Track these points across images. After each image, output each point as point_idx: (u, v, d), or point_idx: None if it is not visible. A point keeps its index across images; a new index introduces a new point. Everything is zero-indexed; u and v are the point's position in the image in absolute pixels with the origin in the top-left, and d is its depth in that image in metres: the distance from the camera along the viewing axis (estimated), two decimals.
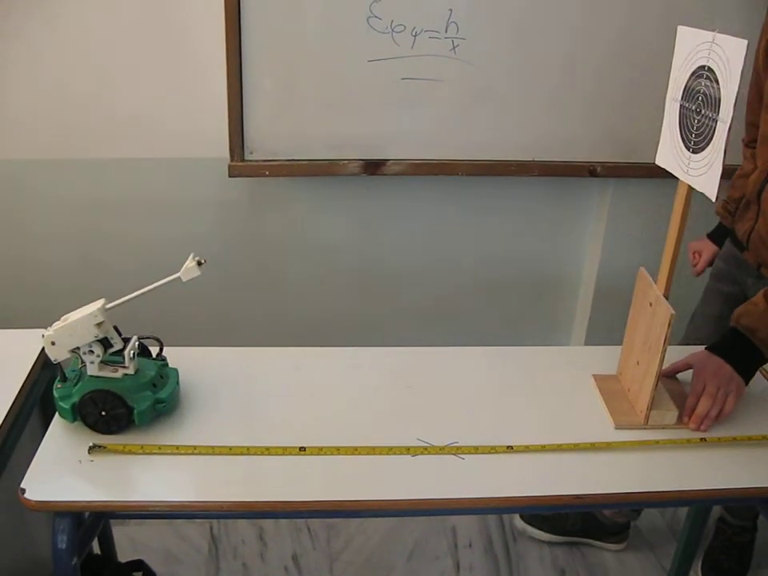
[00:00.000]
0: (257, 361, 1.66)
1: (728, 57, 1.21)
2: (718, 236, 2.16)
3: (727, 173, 1.28)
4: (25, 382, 1.51)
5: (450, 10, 2.23)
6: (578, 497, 1.32)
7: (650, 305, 1.49)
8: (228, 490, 1.28)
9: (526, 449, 1.40)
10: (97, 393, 1.36)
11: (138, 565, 2.00)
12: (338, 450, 1.36)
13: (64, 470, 1.31)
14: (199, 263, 1.33)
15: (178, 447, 1.35)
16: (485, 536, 2.45)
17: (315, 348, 1.68)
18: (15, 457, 1.43)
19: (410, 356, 1.67)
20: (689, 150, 1.34)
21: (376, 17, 2.21)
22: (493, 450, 1.39)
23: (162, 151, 2.44)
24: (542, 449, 1.40)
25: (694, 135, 1.32)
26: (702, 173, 1.30)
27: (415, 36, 2.25)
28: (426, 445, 1.39)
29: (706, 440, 1.44)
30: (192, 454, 1.35)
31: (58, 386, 1.40)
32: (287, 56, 2.26)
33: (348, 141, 2.39)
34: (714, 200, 1.28)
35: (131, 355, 1.38)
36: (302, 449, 1.36)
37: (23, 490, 1.24)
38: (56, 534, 1.27)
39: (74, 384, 1.39)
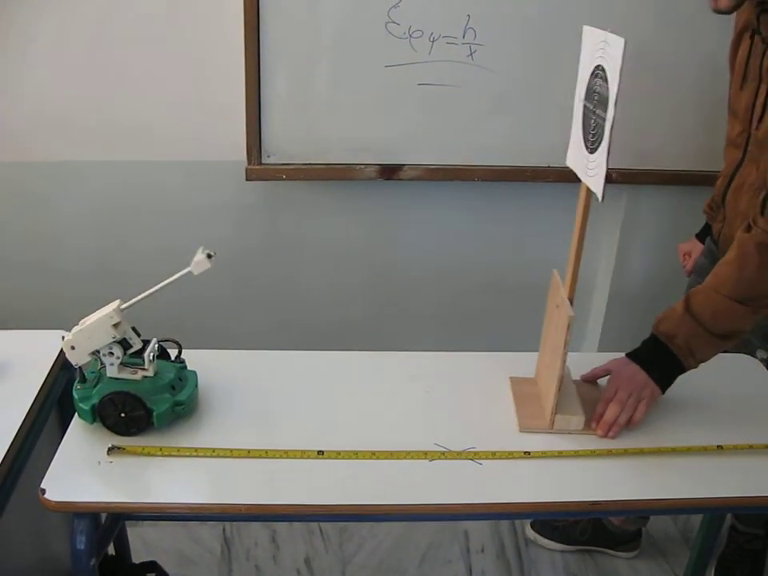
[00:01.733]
0: (274, 364, 1.66)
1: (612, 55, 1.20)
2: (705, 235, 2.16)
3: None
4: (44, 382, 1.52)
5: (468, 15, 2.23)
6: (594, 503, 1.32)
7: (557, 307, 1.48)
8: (246, 493, 1.29)
9: (543, 454, 1.40)
10: (116, 394, 1.37)
11: (152, 566, 2.00)
12: (356, 455, 1.37)
13: (83, 471, 1.31)
14: (209, 255, 1.32)
15: (196, 450, 1.36)
16: (497, 541, 2.45)
17: (333, 352, 1.69)
18: (33, 457, 1.44)
19: (428, 360, 1.68)
20: (587, 150, 1.33)
21: (394, 22, 2.21)
22: (510, 455, 1.39)
23: (179, 154, 2.45)
24: (559, 455, 1.40)
25: (591, 135, 1.31)
26: (595, 173, 1.28)
27: (433, 42, 2.25)
28: (443, 450, 1.40)
29: (722, 447, 1.44)
30: (210, 456, 1.35)
31: (78, 387, 1.41)
32: (305, 60, 2.27)
33: (365, 145, 2.39)
34: (600, 200, 1.26)
35: (151, 357, 1.39)
36: (320, 452, 1.37)
37: (43, 491, 1.25)
38: (75, 535, 1.27)
39: (93, 385, 1.40)
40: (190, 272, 1.33)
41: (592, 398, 1.53)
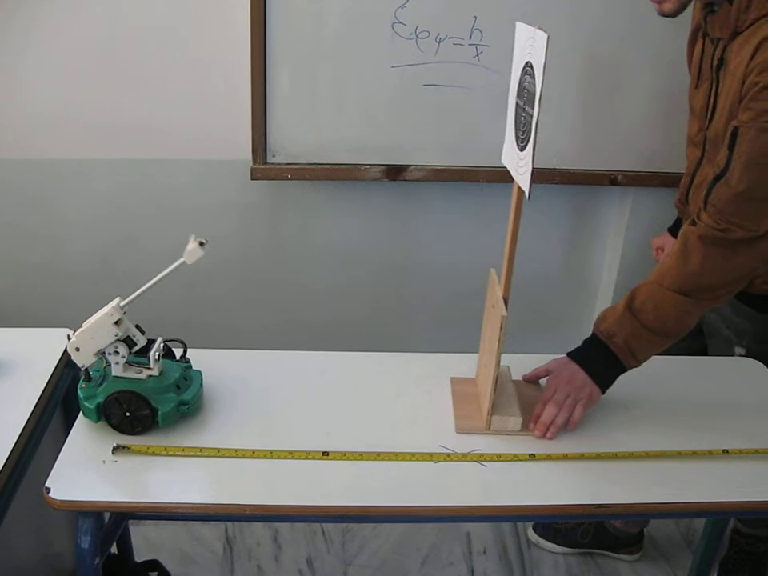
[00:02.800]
0: (280, 364, 1.66)
1: (538, 51, 1.19)
2: (677, 230, 2.15)
3: None
4: (49, 381, 1.53)
5: (475, 17, 2.23)
6: (599, 506, 1.32)
7: (492, 306, 1.47)
8: (251, 494, 1.29)
9: (548, 457, 1.40)
10: (121, 393, 1.37)
11: (154, 565, 2.00)
12: (360, 456, 1.37)
13: (88, 470, 1.31)
14: (201, 243, 1.31)
15: (201, 449, 1.36)
16: (499, 543, 2.45)
17: (339, 353, 1.69)
18: (37, 456, 1.44)
19: (433, 362, 1.68)
20: (518, 148, 1.31)
21: (401, 23, 2.21)
22: (515, 457, 1.39)
23: (185, 153, 2.45)
24: (564, 457, 1.40)
25: (521, 132, 1.29)
26: (524, 171, 1.27)
27: (439, 42, 2.25)
28: (448, 452, 1.40)
29: (728, 451, 1.44)
30: (215, 456, 1.35)
31: (83, 385, 1.41)
32: (311, 60, 2.26)
33: (370, 146, 2.39)
34: (527, 198, 1.26)
35: (156, 357, 1.39)
36: (325, 453, 1.37)
37: (48, 489, 1.25)
38: (79, 534, 1.28)
39: (98, 384, 1.40)
40: (184, 262, 1.31)
41: (534, 399, 1.52)
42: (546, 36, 1.16)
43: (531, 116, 1.22)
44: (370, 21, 2.22)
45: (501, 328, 1.38)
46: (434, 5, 2.21)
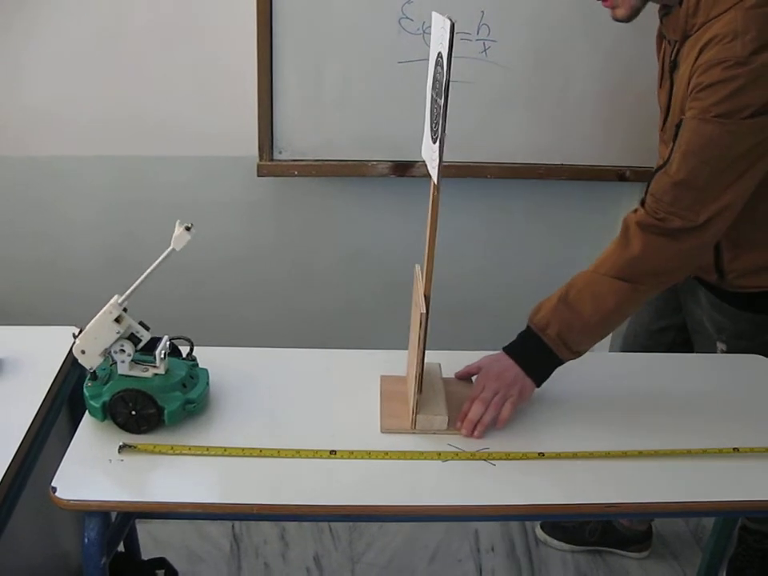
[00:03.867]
0: (287, 362, 1.65)
1: (446, 40, 1.17)
2: None
3: None
4: (54, 379, 1.52)
5: (482, 12, 2.22)
6: (609, 505, 1.31)
7: (416, 304, 1.45)
8: (258, 493, 1.28)
9: (558, 456, 1.39)
10: (127, 392, 1.36)
11: (161, 563, 2.00)
12: (368, 455, 1.36)
13: (94, 469, 1.31)
14: (187, 228, 1.30)
15: (208, 448, 1.35)
16: (507, 540, 2.44)
17: (346, 350, 1.68)
18: (43, 455, 1.43)
19: (440, 359, 1.66)
20: (431, 140, 1.29)
21: (408, 18, 2.20)
22: (524, 456, 1.38)
23: (191, 150, 2.45)
24: (574, 456, 1.39)
25: (434, 124, 1.27)
26: (436, 163, 1.25)
27: None
28: (457, 450, 1.39)
29: (739, 450, 1.43)
30: (222, 455, 1.34)
31: (89, 384, 1.40)
32: (318, 56, 2.26)
33: (377, 142, 2.38)
34: (437, 191, 1.24)
35: (162, 355, 1.38)
36: (333, 452, 1.36)
37: (54, 489, 1.25)
38: (86, 534, 1.27)
39: (104, 383, 1.39)
40: (173, 249, 1.30)
41: (463, 397, 1.49)
42: (449, 22, 1.14)
43: (440, 106, 1.20)
44: (376, 16, 2.21)
45: (421, 325, 1.36)
46: (440, 0, 2.20)
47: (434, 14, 1.28)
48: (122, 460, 1.33)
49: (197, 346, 1.51)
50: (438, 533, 2.44)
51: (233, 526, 2.43)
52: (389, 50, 2.25)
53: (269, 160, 2.37)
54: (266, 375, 1.59)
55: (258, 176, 2.38)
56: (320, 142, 2.37)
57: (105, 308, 1.33)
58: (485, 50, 2.26)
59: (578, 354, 1.50)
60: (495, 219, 2.65)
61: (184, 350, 1.50)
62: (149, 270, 1.32)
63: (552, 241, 2.73)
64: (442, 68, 1.20)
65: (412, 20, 2.20)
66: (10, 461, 1.29)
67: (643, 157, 2.48)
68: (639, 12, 1.60)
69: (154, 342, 1.39)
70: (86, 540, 1.26)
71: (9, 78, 2.32)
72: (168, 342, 1.42)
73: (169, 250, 1.31)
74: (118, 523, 1.40)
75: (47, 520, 1.66)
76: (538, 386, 1.50)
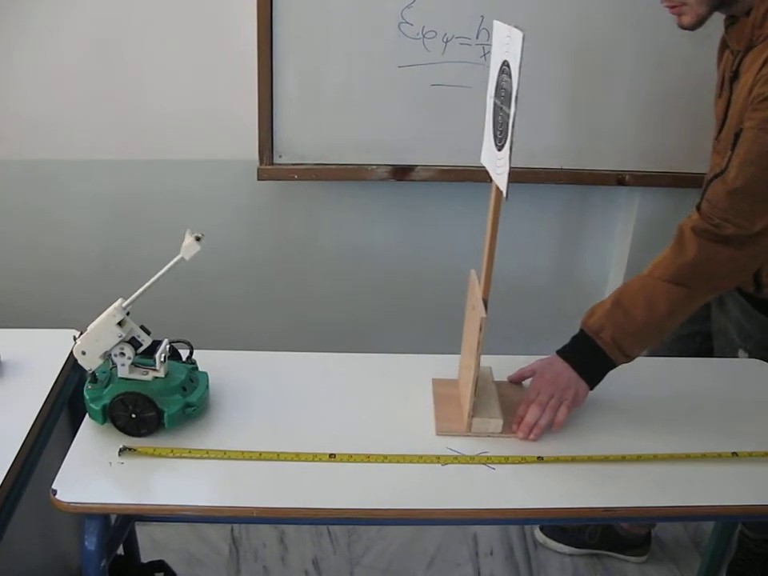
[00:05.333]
0: (286, 366, 1.66)
1: (514, 50, 1.18)
2: None
3: None
4: (55, 382, 1.52)
5: (482, 16, 2.22)
6: (607, 509, 1.31)
7: (473, 308, 1.46)
8: (258, 496, 1.28)
9: (556, 460, 1.39)
10: (127, 395, 1.36)
11: (160, 565, 2.00)
12: (368, 458, 1.36)
13: (94, 472, 1.31)
14: (197, 238, 1.31)
15: (207, 451, 1.36)
16: (506, 544, 2.44)
17: (346, 354, 1.69)
18: (44, 457, 1.44)
19: (440, 363, 1.67)
20: (496, 148, 1.30)
21: (407, 23, 2.21)
22: (523, 460, 1.39)
23: (191, 154, 2.45)
24: (572, 460, 1.40)
25: (498, 132, 1.28)
26: (502, 171, 1.26)
27: (446, 42, 2.24)
28: (456, 454, 1.39)
29: (737, 454, 1.43)
30: (222, 458, 1.35)
31: (89, 387, 1.41)
32: (317, 61, 2.26)
33: (377, 146, 2.38)
34: (505, 198, 1.25)
35: (162, 358, 1.39)
36: (332, 455, 1.36)
37: (54, 491, 1.25)
38: (86, 536, 1.27)
39: (104, 386, 1.40)
40: (182, 258, 1.32)
41: (517, 400, 1.51)
42: (521, 34, 1.15)
43: (508, 115, 1.21)
44: (376, 21, 2.21)
45: (480, 330, 1.37)
46: (440, 4, 2.20)
47: (497, 23, 1.30)
48: (121, 463, 1.33)
49: (197, 349, 1.51)
50: (436, 536, 2.44)
51: (232, 529, 2.43)
52: (389, 54, 2.25)
53: (269, 164, 2.37)
54: (265, 379, 1.59)
55: (258, 180, 2.38)
56: (320, 146, 2.37)
57: (108, 311, 1.33)
58: (484, 55, 2.27)
59: (630, 357, 1.51)
60: None
61: (184, 353, 1.50)
62: (155, 277, 1.33)
63: (552, 245, 2.74)
64: (509, 76, 1.21)
65: (412, 24, 2.21)
66: (10, 463, 1.29)
67: (642, 161, 2.48)
68: (705, 21, 1.60)
69: (154, 346, 1.39)
70: (86, 542, 1.27)
71: (3, 82, 2.32)
72: (168, 346, 1.43)
73: (177, 258, 1.32)
74: (118, 526, 1.40)
75: (47, 522, 1.66)
76: (591, 389, 1.51)
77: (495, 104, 1.31)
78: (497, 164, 1.30)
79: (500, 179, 1.28)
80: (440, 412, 1.50)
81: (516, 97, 1.18)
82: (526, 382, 1.59)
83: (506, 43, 1.23)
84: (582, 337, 1.53)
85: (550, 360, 1.54)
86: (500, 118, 1.27)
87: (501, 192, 1.30)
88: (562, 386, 1.48)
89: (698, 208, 1.53)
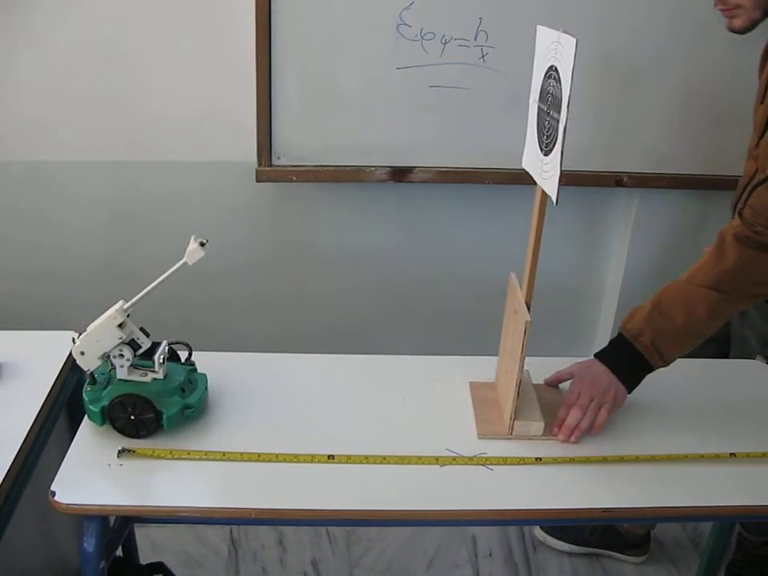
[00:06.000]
0: (285, 367, 1.66)
1: (565, 56, 1.19)
2: None
3: None
4: (54, 384, 1.52)
5: (480, 18, 2.22)
6: (606, 510, 1.31)
7: (515, 311, 1.47)
8: (256, 497, 1.28)
9: (554, 461, 1.40)
10: (126, 397, 1.36)
11: (159, 567, 1.99)
12: (366, 459, 1.36)
13: (93, 474, 1.31)
14: (201, 244, 1.31)
15: (206, 453, 1.36)
16: (505, 545, 2.44)
17: (344, 355, 1.69)
18: (43, 459, 1.44)
19: (440, 364, 1.67)
20: (542, 153, 1.31)
21: (406, 24, 2.21)
22: (521, 461, 1.39)
23: (189, 155, 2.45)
24: (571, 461, 1.40)
25: (545, 137, 1.29)
26: (549, 176, 1.27)
27: (444, 44, 2.24)
28: (454, 455, 1.39)
29: (735, 455, 1.43)
30: (220, 460, 1.35)
31: (88, 388, 1.41)
32: (316, 62, 2.26)
33: (375, 148, 2.38)
34: (555, 204, 1.25)
35: (161, 360, 1.39)
36: (331, 457, 1.36)
37: (53, 493, 1.25)
38: (84, 538, 1.27)
39: (103, 387, 1.40)
40: (185, 263, 1.32)
41: (554, 402, 1.52)
42: (573, 40, 1.16)
43: (557, 120, 1.22)
44: (374, 22, 2.21)
45: (525, 333, 1.38)
46: (438, 6, 2.21)
47: (541, 28, 1.33)
48: (120, 464, 1.33)
49: (195, 351, 1.51)
50: (435, 538, 2.44)
51: (231, 531, 2.44)
52: (387, 55, 2.25)
53: (267, 166, 2.37)
54: (263, 380, 1.59)
55: (257, 182, 2.38)
56: (318, 147, 2.37)
57: (109, 312, 1.33)
58: (483, 56, 2.27)
59: (667, 362, 1.51)
60: (494, 225, 2.65)
61: (183, 354, 1.50)
62: (157, 281, 1.34)
63: (549, 246, 2.72)
64: (558, 81, 1.22)
65: (410, 26, 2.21)
66: (9, 465, 1.29)
67: (641, 162, 2.49)
68: (757, 25, 1.59)
69: (152, 347, 1.39)
70: (85, 544, 1.27)
71: (3, 83, 2.32)
72: (167, 347, 1.43)
73: (181, 263, 1.32)
74: (117, 527, 1.41)
75: (46, 524, 1.66)
76: (629, 392, 1.51)
77: (540, 109, 1.33)
78: (543, 168, 1.31)
79: (547, 184, 1.29)
80: (480, 415, 1.51)
81: (568, 102, 1.19)
82: (563, 385, 1.60)
83: (553, 49, 1.25)
84: (620, 340, 1.53)
85: (589, 363, 1.55)
86: (547, 122, 1.28)
87: (546, 196, 1.32)
88: (602, 389, 1.48)
89: (740, 214, 1.53)
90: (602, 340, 2.87)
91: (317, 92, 2.30)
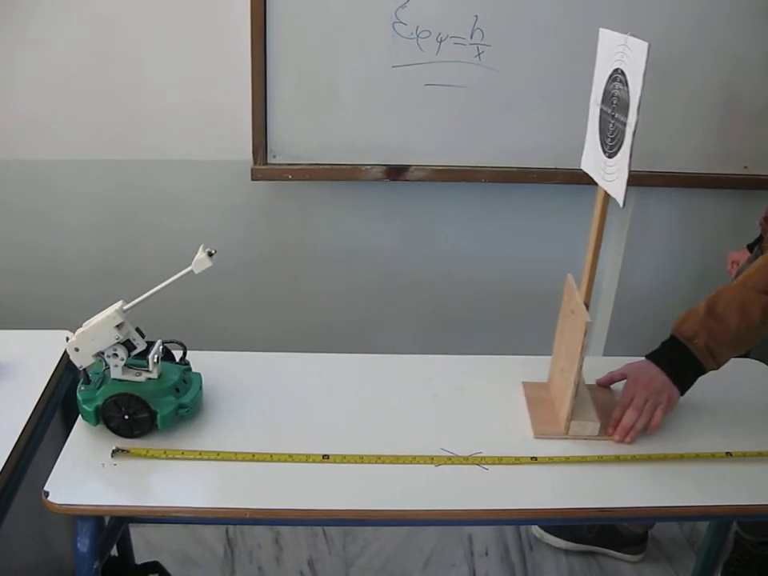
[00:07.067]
0: (280, 366, 1.65)
1: (635, 59, 1.20)
2: (755, 246, 2.16)
3: None
4: (48, 383, 1.52)
5: (476, 16, 2.22)
6: (601, 510, 1.31)
7: (572, 312, 1.47)
8: (251, 497, 1.28)
9: (550, 460, 1.39)
10: (120, 396, 1.36)
11: (154, 567, 1.99)
12: (361, 459, 1.36)
13: (87, 474, 1.31)
14: (210, 254, 1.31)
15: (201, 453, 1.35)
16: (501, 544, 2.44)
17: (339, 354, 1.68)
18: (36, 459, 1.43)
19: (435, 363, 1.67)
20: (605, 155, 1.32)
21: (401, 22, 2.20)
22: (517, 460, 1.39)
23: (185, 154, 2.44)
24: (566, 460, 1.39)
25: (609, 140, 1.30)
26: (614, 178, 1.28)
27: (440, 42, 2.24)
28: (449, 454, 1.39)
29: (731, 454, 1.43)
30: (215, 459, 1.34)
31: (82, 388, 1.40)
32: (312, 61, 2.26)
33: (371, 146, 2.38)
34: (621, 206, 1.26)
35: (155, 359, 1.38)
36: (326, 456, 1.36)
37: (47, 493, 1.25)
38: (78, 538, 1.27)
39: (97, 387, 1.39)
40: (191, 271, 1.32)
41: (606, 403, 1.52)
42: (645, 44, 1.17)
43: (624, 123, 1.22)
44: (370, 21, 2.21)
45: (585, 333, 1.38)
46: (434, 4, 2.20)
47: (604, 31, 1.33)
48: (114, 464, 1.33)
49: (190, 350, 1.51)
50: (432, 537, 2.44)
51: (227, 530, 2.43)
52: (383, 54, 2.25)
53: (263, 164, 2.37)
54: (258, 379, 1.59)
55: (253, 180, 2.38)
56: (314, 146, 2.37)
57: (109, 312, 1.33)
58: (479, 54, 2.27)
59: (720, 364, 1.51)
60: (489, 223, 2.65)
61: (177, 354, 1.50)
62: (161, 286, 1.34)
63: (545, 244, 2.73)
64: (624, 84, 1.22)
65: (405, 24, 2.21)
66: (3, 464, 1.29)
67: (637, 160, 2.46)
68: None
69: (147, 347, 1.39)
70: (78, 544, 1.27)
71: (1, 82, 2.32)
72: (161, 347, 1.42)
73: (187, 270, 1.32)
74: (111, 527, 1.40)
75: (40, 524, 1.66)
76: (682, 394, 1.51)
77: (603, 111, 1.33)
78: (606, 170, 1.31)
79: (611, 186, 1.29)
80: (535, 415, 1.52)
81: (638, 105, 1.18)
82: (615, 386, 1.60)
83: (619, 51, 1.25)
84: (673, 342, 1.53)
85: (642, 364, 1.55)
86: (611, 125, 1.29)
87: (608, 198, 1.33)
88: (656, 390, 1.49)
89: None
90: (598, 338, 2.87)
91: (312, 90, 2.30)
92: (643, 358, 1.56)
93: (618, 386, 1.57)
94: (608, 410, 1.49)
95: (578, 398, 1.46)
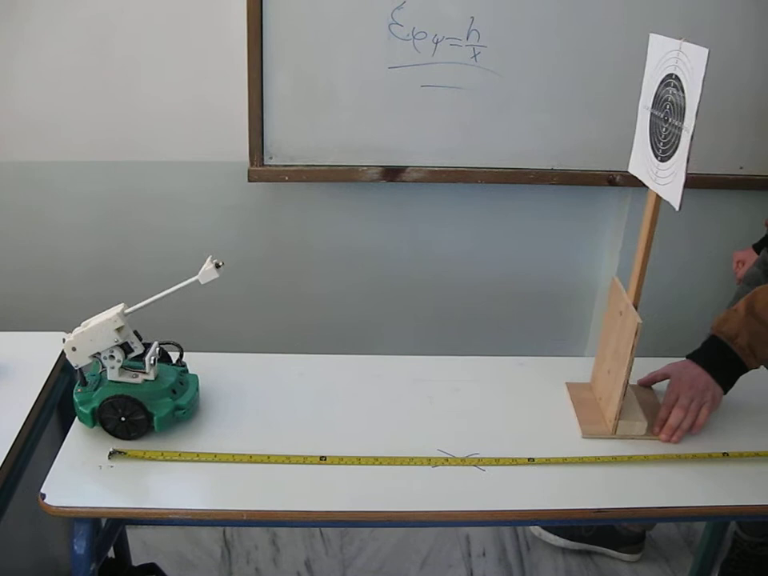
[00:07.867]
0: (277, 368, 1.65)
1: (692, 65, 1.21)
2: (761, 246, 2.18)
3: None
4: (44, 385, 1.52)
5: (472, 17, 2.22)
6: (598, 511, 1.31)
7: (620, 314, 1.48)
8: (248, 499, 1.28)
9: (547, 461, 1.39)
10: (117, 398, 1.36)
11: (151, 568, 1.99)
12: (358, 460, 1.36)
13: (84, 476, 1.31)
14: (217, 265, 1.32)
15: (198, 455, 1.35)
16: (498, 545, 2.44)
17: (337, 356, 1.68)
18: (33, 461, 1.43)
19: (432, 365, 1.67)
20: (657, 159, 1.33)
21: (398, 24, 2.21)
22: (514, 461, 1.39)
23: (181, 155, 2.44)
24: (563, 461, 1.39)
25: (661, 144, 1.32)
26: (668, 181, 1.29)
27: (436, 43, 2.24)
28: (446, 456, 1.39)
29: (728, 454, 1.43)
30: (212, 461, 1.34)
31: (78, 390, 1.40)
32: (308, 62, 2.26)
33: (367, 147, 2.38)
34: (677, 209, 1.26)
35: (152, 361, 1.38)
36: (323, 458, 1.36)
37: (43, 495, 1.24)
38: (75, 540, 1.27)
39: (93, 389, 1.39)
40: (196, 281, 1.32)
41: (649, 403, 1.54)
42: (705, 51, 1.18)
43: (679, 128, 1.25)
44: (366, 22, 2.21)
45: (636, 334, 1.38)
46: (430, 5, 2.21)
47: (654, 36, 1.34)
48: (111, 466, 1.32)
49: (187, 351, 1.51)
50: (429, 538, 2.44)
51: (224, 532, 2.43)
52: (379, 55, 2.25)
53: (259, 165, 2.37)
54: (256, 381, 1.59)
55: (249, 181, 2.38)
56: (310, 147, 2.37)
57: (110, 315, 1.33)
58: (475, 56, 2.27)
59: (761, 364, 1.53)
60: (486, 224, 2.65)
61: (174, 355, 1.49)
62: (165, 293, 1.34)
63: (542, 245, 2.74)
64: (678, 90, 1.25)
65: (402, 25, 2.21)
66: None
67: None
68: None
69: (144, 350, 1.39)
70: (75, 546, 1.26)
71: (4, 82, 2.31)
72: (158, 348, 1.42)
73: (192, 279, 1.33)
74: (108, 529, 1.40)
75: (37, 526, 1.66)
76: (725, 393, 1.53)
77: (654, 115, 1.35)
78: (658, 174, 1.33)
79: (663, 189, 1.31)
80: (581, 415, 1.53)
81: (697, 111, 1.20)
82: (657, 386, 1.61)
83: (673, 57, 1.26)
84: (715, 342, 1.55)
85: (684, 364, 1.56)
86: (664, 129, 1.30)
87: (659, 200, 1.35)
88: (701, 389, 1.50)
89: None
90: (594, 338, 2.87)
91: (309, 92, 2.30)
92: (683, 358, 1.57)
93: (659, 386, 1.59)
94: (651, 409, 1.51)
95: (625, 399, 1.47)
